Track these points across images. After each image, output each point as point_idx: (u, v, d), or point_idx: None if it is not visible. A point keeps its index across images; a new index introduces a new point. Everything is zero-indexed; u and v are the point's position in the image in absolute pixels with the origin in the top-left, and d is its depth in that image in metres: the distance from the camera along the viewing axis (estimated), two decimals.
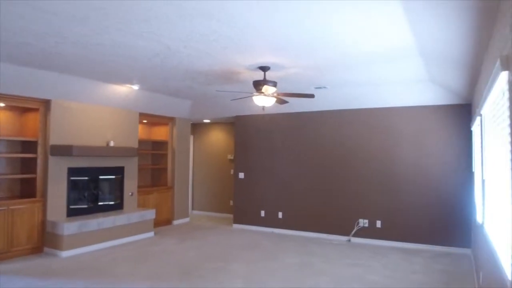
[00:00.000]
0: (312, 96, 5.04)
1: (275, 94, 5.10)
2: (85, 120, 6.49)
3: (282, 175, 7.77)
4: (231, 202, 9.47)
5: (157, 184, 8.58)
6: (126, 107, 7.17)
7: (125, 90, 6.70)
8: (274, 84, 4.81)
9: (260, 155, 8.02)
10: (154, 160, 8.73)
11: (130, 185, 7.36)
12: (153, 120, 8.13)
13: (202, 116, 8.76)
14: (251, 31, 3.59)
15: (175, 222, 8.51)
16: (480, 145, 3.83)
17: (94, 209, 6.66)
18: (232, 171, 9.51)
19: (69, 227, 5.76)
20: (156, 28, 3.57)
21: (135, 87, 6.52)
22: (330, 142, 7.34)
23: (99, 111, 6.74)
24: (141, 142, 8.09)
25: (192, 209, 10.06)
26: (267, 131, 7.97)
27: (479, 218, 3.98)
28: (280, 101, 5.45)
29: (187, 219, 8.88)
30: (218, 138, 9.85)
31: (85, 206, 6.50)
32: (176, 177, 8.54)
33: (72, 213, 6.28)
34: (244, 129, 8.24)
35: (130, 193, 7.32)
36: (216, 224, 8.57)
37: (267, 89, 4.77)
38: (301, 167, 7.59)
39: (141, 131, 8.42)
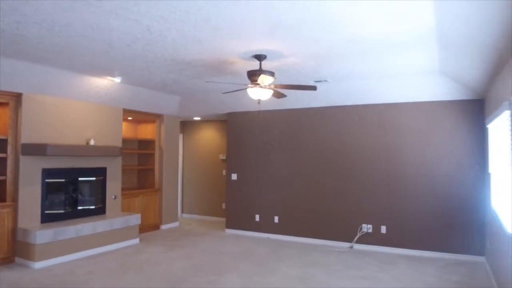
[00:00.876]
0: (314, 88, 4.49)
1: (272, 86, 4.55)
2: (62, 116, 5.89)
3: (278, 176, 7.22)
4: (223, 205, 8.91)
5: (143, 186, 7.98)
6: (108, 102, 6.57)
7: (106, 84, 6.10)
8: (272, 74, 4.25)
9: (255, 155, 7.46)
10: (141, 160, 8.13)
11: (113, 187, 6.76)
12: (139, 117, 7.53)
13: (192, 113, 8.17)
14: (244, 6, 3.03)
15: (163, 227, 7.92)
16: (511, 143, 3.30)
17: (73, 215, 6.06)
18: (224, 172, 8.95)
19: (43, 235, 5.16)
20: (132, 4, 2.99)
21: (117, 80, 5.93)
22: (331, 141, 6.80)
23: (78, 106, 6.13)
24: (125, 140, 7.49)
25: (182, 212, 9.47)
26: (262, 129, 7.42)
27: (508, 227, 3.46)
28: (278, 95, 4.90)
29: (176, 224, 8.30)
30: (209, 137, 9.27)
31: (62, 211, 5.89)
32: (164, 178, 7.96)
33: (47, 219, 5.67)
34: (237, 127, 7.68)
35: (113, 196, 6.73)
36: (208, 229, 7.99)
37: (263, 79, 4.21)
38: (299, 168, 7.05)
39: (126, 129, 7.83)
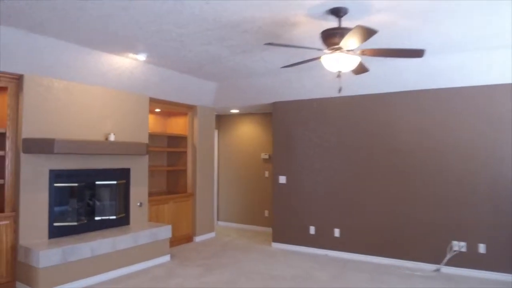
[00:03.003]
0: (421, 54, 3.09)
1: (358, 52, 3.18)
2: (74, 105, 4.72)
3: (338, 179, 5.83)
4: (266, 213, 7.59)
5: (174, 191, 6.77)
6: (131, 89, 5.37)
7: (128, 64, 4.90)
8: (369, 31, 2.84)
9: (309, 153, 6.09)
10: (170, 159, 6.92)
11: (139, 192, 5.56)
12: (168, 108, 6.30)
13: (229, 104, 6.88)
14: None
15: (197, 238, 6.68)
16: None
17: (89, 227, 4.88)
18: (267, 174, 7.63)
19: (48, 257, 3.98)
20: None
21: (141, 57, 4.70)
22: (408, 134, 5.36)
23: (94, 93, 4.96)
24: (152, 136, 6.30)
25: (217, 220, 8.21)
26: (317, 121, 6.04)
27: None
28: (360, 68, 3.52)
29: (212, 234, 7.04)
30: (248, 133, 7.96)
31: (75, 224, 4.71)
32: (198, 181, 6.71)
33: (56, 233, 4.51)
34: (286, 119, 6.33)
35: (138, 204, 5.53)
36: (250, 242, 6.68)
37: (348, 42, 2.85)
38: (365, 169, 5.63)
39: (153, 123, 6.63)
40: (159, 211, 6.02)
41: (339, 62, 3.08)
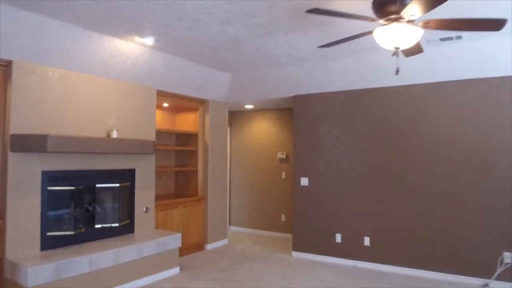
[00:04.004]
0: (501, 24, 2.45)
1: (421, 23, 2.53)
2: (71, 97, 4.12)
3: (369, 180, 5.18)
4: (283, 217, 6.96)
5: (183, 194, 6.15)
6: (136, 79, 4.76)
7: (134, 51, 4.28)
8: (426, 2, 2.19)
9: (334, 152, 5.45)
10: (179, 159, 6.30)
11: (145, 196, 4.95)
12: (177, 102, 5.68)
13: (244, 99, 6.24)
14: None
15: (209, 246, 6.06)
16: None
17: (88, 237, 4.27)
18: (283, 175, 7.00)
19: (38, 273, 3.37)
20: None
21: (149, 41, 4.07)
22: (451, 129, 4.70)
23: (94, 83, 4.35)
24: (160, 133, 5.69)
25: (229, 224, 7.59)
26: (344, 116, 5.40)
27: None
28: (416, 47, 2.88)
29: (225, 241, 6.42)
30: (263, 131, 7.33)
31: (72, 233, 4.10)
32: (210, 183, 6.09)
33: (50, 244, 3.91)
34: (308, 114, 5.69)
35: (144, 209, 4.92)
36: (267, 251, 6.04)
37: (411, 10, 2.22)
38: (400, 169, 4.98)
39: (161, 119, 6.03)
40: (167, 217, 5.40)
41: (397, 35, 2.44)
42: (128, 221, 4.73)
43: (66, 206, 4.11)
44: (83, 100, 4.21)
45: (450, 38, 3.93)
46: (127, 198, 4.74)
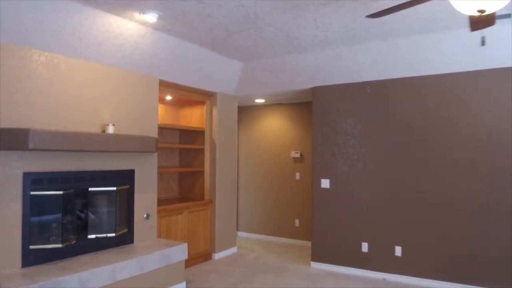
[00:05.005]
0: None
1: None
2: (60, 85, 3.49)
3: (401, 183, 4.56)
4: (297, 222, 6.35)
5: (188, 197, 5.53)
6: (136, 66, 4.13)
7: (133, 31, 3.66)
8: None
9: (360, 151, 4.83)
10: (184, 158, 5.68)
11: (146, 200, 4.33)
12: (181, 94, 5.05)
13: (256, 91, 5.61)
14: None
15: (217, 255, 5.43)
16: None
17: (79, 250, 3.64)
18: (298, 175, 6.38)
19: None
20: None
21: (151, 17, 3.44)
22: (499, 125, 4.08)
23: (87, 70, 3.72)
24: (161, 129, 5.07)
25: (237, 230, 6.96)
26: (372, 110, 4.78)
27: None
28: (490, 16, 2.26)
29: (234, 250, 5.80)
30: (275, 127, 6.70)
31: (60, 246, 3.46)
32: (218, 185, 5.47)
33: (33, 259, 3.27)
34: (329, 108, 5.06)
35: (144, 215, 4.29)
36: (283, 261, 5.41)
37: None
38: (437, 171, 4.36)
39: (163, 113, 5.40)
40: (170, 224, 4.78)
41: None
42: (127, 230, 4.10)
43: (54, 213, 3.47)
44: (73, 89, 3.58)
45: (508, 16, 3.31)
46: (125, 204, 4.10)
